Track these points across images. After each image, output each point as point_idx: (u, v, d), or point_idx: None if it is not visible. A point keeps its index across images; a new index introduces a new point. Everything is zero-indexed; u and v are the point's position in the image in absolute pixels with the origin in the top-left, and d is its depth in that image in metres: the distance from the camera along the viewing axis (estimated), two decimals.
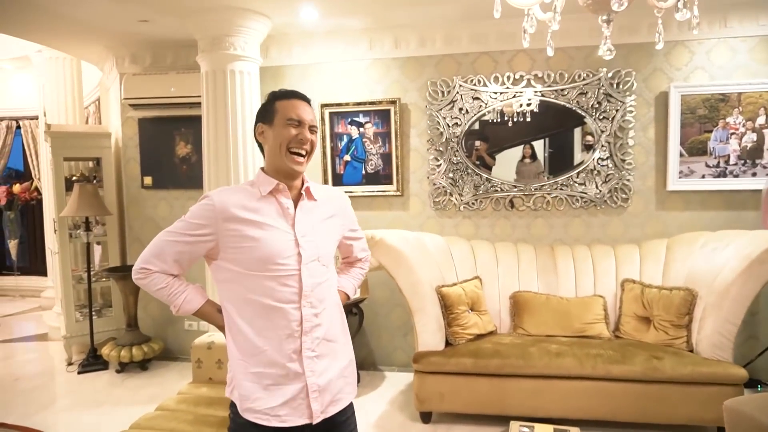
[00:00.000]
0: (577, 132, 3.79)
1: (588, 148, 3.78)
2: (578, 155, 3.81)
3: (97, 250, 4.86)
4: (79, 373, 4.16)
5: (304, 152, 1.50)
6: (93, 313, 4.32)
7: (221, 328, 1.53)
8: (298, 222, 1.49)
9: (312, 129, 1.52)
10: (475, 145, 3.90)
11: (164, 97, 4.10)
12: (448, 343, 3.25)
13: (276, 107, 1.51)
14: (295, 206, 1.52)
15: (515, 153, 3.88)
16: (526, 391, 3.03)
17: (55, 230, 4.46)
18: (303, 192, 1.54)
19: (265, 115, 1.53)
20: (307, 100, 1.56)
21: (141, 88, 4.12)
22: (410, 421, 3.24)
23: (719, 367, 2.87)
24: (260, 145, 1.56)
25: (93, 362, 4.24)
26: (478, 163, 3.90)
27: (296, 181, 1.54)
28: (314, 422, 1.44)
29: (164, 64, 4.26)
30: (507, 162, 3.89)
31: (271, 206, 1.48)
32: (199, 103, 3.78)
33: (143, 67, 4.29)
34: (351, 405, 1.58)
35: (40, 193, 6.64)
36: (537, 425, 2.13)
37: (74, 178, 4.58)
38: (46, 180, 5.91)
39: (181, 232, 1.45)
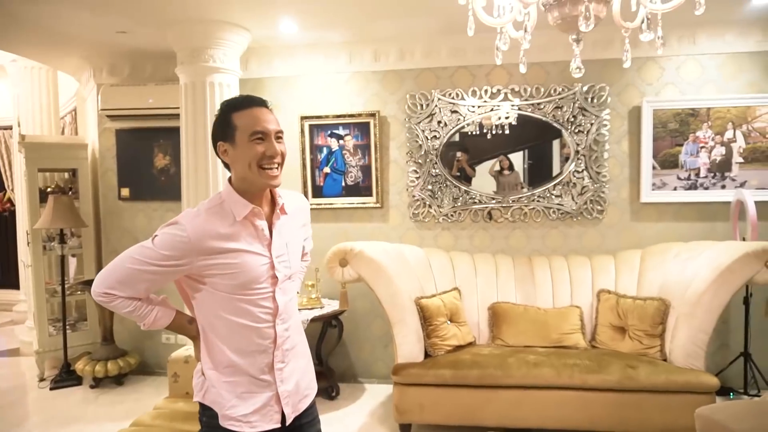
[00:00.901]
0: (556, 144, 3.87)
1: (565, 160, 3.85)
2: (557, 167, 3.88)
3: (72, 263, 4.77)
4: (51, 389, 4.06)
5: (276, 165, 1.42)
6: (67, 326, 4.24)
7: (193, 339, 1.53)
8: (274, 243, 1.46)
9: (278, 137, 1.42)
10: (457, 156, 3.94)
11: (142, 108, 4.07)
12: (427, 355, 3.26)
13: (234, 122, 1.39)
14: (269, 222, 1.47)
15: (495, 164, 3.93)
16: (504, 402, 3.05)
17: (28, 242, 4.37)
18: (278, 210, 1.48)
19: (224, 132, 1.41)
20: (265, 104, 1.45)
21: (119, 99, 4.09)
22: None
23: (692, 375, 2.93)
24: (223, 161, 1.47)
25: (66, 378, 4.14)
26: (458, 174, 3.95)
27: (266, 192, 1.47)
28: (288, 423, 1.49)
29: (143, 75, 4.24)
30: (487, 173, 3.95)
31: (246, 230, 1.42)
32: (178, 115, 3.76)
33: (121, 78, 4.26)
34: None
35: (13, 205, 6.50)
36: None
37: (49, 189, 4.51)
38: (19, 191, 5.79)
39: (150, 262, 1.36)
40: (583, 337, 3.38)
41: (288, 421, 1.50)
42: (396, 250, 3.58)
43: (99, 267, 4.50)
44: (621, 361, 3.03)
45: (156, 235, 1.39)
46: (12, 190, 6.53)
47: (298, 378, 1.54)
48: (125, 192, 4.35)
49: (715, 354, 3.68)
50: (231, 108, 1.42)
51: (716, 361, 3.64)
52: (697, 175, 3.75)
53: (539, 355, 3.15)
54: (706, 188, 3.74)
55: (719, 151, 3.72)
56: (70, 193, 4.51)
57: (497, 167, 3.93)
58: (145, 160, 4.29)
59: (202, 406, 1.50)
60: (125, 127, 4.28)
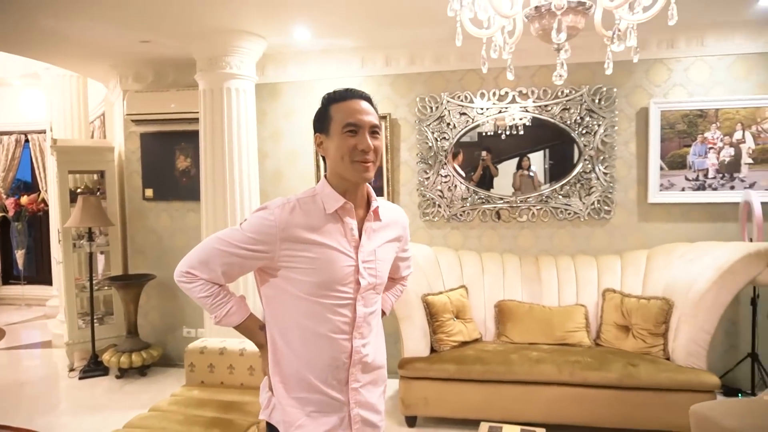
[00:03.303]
0: (572, 145, 3.92)
1: (576, 161, 3.91)
2: (577, 167, 3.91)
3: (100, 260, 5.02)
4: (80, 378, 4.30)
5: (370, 161, 1.34)
6: (95, 320, 4.47)
7: (260, 347, 1.45)
8: (362, 246, 1.37)
9: (374, 131, 1.35)
10: (482, 155, 4.02)
11: (165, 113, 4.27)
12: (433, 350, 3.36)
13: (331, 113, 1.35)
14: (360, 225, 1.39)
15: (512, 165, 4.02)
16: (507, 397, 3.13)
17: (59, 240, 4.62)
18: (371, 212, 1.40)
19: (322, 123, 1.37)
20: (366, 98, 1.38)
21: (143, 104, 4.30)
22: (396, 426, 3.35)
23: (692, 374, 2.97)
24: (322, 155, 1.42)
25: (94, 368, 4.37)
26: (482, 172, 4.03)
27: (361, 191, 1.40)
28: None
29: (165, 81, 4.45)
30: (509, 173, 4.03)
31: (335, 226, 1.35)
32: (198, 119, 3.94)
33: (145, 84, 4.48)
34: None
35: (46, 205, 6.83)
36: (505, 426, 2.24)
37: (79, 190, 4.75)
38: (52, 192, 6.10)
39: (235, 243, 1.33)
40: (588, 336, 3.43)
41: None
42: None
43: (125, 264, 4.74)
44: (623, 359, 3.09)
45: (245, 219, 1.38)
46: (45, 191, 6.87)
47: (374, 404, 1.44)
48: (149, 192, 4.57)
49: (724, 355, 3.69)
50: (331, 100, 1.38)
51: (725, 362, 3.65)
52: (706, 175, 3.76)
53: (542, 352, 3.22)
54: (715, 189, 3.75)
55: (728, 152, 3.72)
56: (98, 193, 4.75)
57: (516, 168, 3.99)
58: (168, 162, 4.49)
59: (269, 425, 1.42)
60: (149, 131, 4.50)
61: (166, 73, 4.43)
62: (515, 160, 4.01)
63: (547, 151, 4.01)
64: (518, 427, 2.20)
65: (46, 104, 5.83)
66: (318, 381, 1.35)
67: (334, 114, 1.34)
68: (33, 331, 6.02)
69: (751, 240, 3.51)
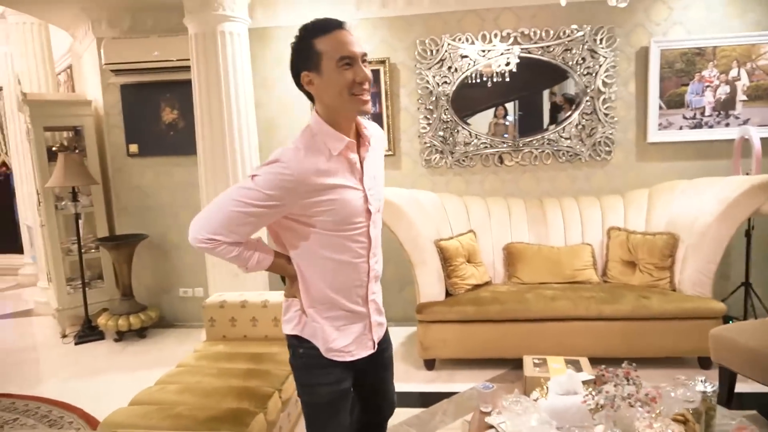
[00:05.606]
0: (546, 93, 3.94)
1: (571, 104, 3.90)
2: (546, 115, 3.96)
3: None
4: (76, 344, 4.14)
5: (366, 91, 1.35)
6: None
7: (292, 278, 1.50)
8: (365, 176, 1.43)
9: (365, 60, 1.34)
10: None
11: (147, 61, 4.00)
12: (448, 294, 3.39)
13: (318, 48, 1.30)
14: (358, 154, 1.43)
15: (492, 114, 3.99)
16: (523, 334, 3.21)
17: (39, 202, 4.35)
18: (366, 142, 1.45)
19: (308, 60, 1.33)
20: (345, 26, 1.34)
21: (122, 52, 4.01)
22: (414, 369, 3.39)
23: (700, 302, 3.11)
24: (306, 93, 1.40)
25: (89, 333, 4.22)
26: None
27: (352, 121, 1.43)
28: (375, 350, 1.55)
29: (144, 27, 4.14)
30: (482, 123, 4.00)
31: (342, 164, 1.38)
32: (185, 67, 3.72)
33: (121, 30, 4.16)
34: None
35: (8, 168, 6.40)
36: (549, 357, 2.30)
37: (54, 148, 4.45)
38: (16, 153, 5.69)
39: (254, 203, 1.32)
40: (596, 273, 3.53)
41: (375, 348, 1.56)
42: (411, 195, 3.65)
43: (111, 224, 4.52)
44: (633, 293, 3.20)
45: (256, 175, 1.33)
46: (7, 153, 6.41)
47: (380, 307, 1.59)
48: (133, 148, 4.32)
49: (717, 285, 3.84)
50: (312, 33, 1.32)
51: (717, 291, 3.81)
52: (702, 114, 3.84)
53: (555, 290, 3.30)
54: (711, 126, 3.84)
55: (724, 90, 3.80)
56: (76, 151, 4.46)
57: (498, 116, 3.98)
58: (153, 115, 4.24)
59: (298, 338, 1.51)
60: (130, 81, 4.21)
61: (145, 18, 4.12)
62: (504, 107, 3.98)
63: (526, 99, 3.97)
64: (561, 358, 2.25)
65: (4, 58, 5.36)
66: (344, 301, 1.47)
67: (322, 48, 1.30)
68: (6, 301, 5.74)
69: (747, 174, 3.63)
